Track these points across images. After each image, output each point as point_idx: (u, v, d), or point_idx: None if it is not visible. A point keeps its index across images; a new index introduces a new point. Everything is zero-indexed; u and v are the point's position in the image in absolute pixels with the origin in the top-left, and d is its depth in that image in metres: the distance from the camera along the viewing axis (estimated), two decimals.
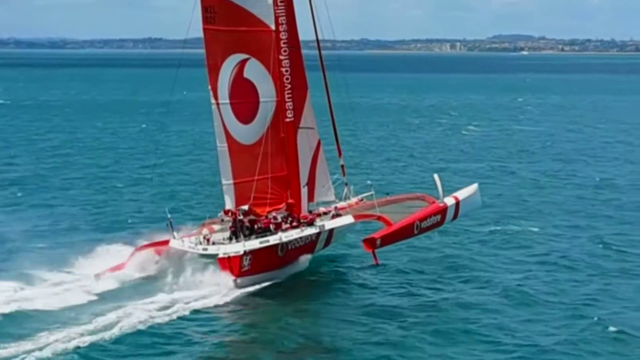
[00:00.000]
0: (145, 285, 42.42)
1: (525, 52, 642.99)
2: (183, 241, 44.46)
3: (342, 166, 48.63)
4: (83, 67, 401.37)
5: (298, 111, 46.44)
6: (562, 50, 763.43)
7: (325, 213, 45.97)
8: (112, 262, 44.60)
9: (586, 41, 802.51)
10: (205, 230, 45.45)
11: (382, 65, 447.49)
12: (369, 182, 48.16)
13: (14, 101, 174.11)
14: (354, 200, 47.80)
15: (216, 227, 46.59)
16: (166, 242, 45.12)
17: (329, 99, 47.79)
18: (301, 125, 46.74)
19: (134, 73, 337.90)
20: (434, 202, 45.73)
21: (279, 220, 44.58)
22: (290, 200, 46.16)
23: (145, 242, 46.18)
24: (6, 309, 38.46)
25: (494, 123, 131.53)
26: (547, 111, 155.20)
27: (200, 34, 44.17)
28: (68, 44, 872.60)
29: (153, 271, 44.51)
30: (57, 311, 38.84)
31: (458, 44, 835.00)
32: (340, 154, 48.64)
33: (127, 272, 43.93)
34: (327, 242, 47.01)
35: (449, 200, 45.85)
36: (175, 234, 45.24)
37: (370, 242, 41.41)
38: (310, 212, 46.65)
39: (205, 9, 44.02)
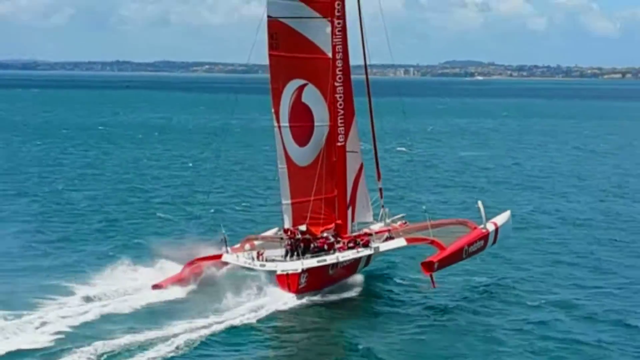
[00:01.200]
0: (199, 297, 42.37)
1: (480, 78, 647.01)
2: (237, 256, 44.77)
3: (381, 189, 48.70)
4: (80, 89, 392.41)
5: (346, 135, 46.90)
6: (511, 75, 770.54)
7: (376, 233, 45.96)
8: (169, 274, 44.79)
9: (533, 67, 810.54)
10: (247, 246, 45.88)
11: None
12: (424, 207, 48.15)
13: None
14: (398, 223, 47.83)
15: (257, 242, 46.99)
16: (219, 257, 45.24)
17: (373, 123, 48.13)
18: (347, 149, 47.07)
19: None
20: (476, 228, 46.26)
21: (332, 240, 44.80)
22: (338, 221, 46.52)
23: (198, 256, 45.93)
24: (84, 316, 38.77)
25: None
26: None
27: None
28: (39, 65, 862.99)
29: (206, 283, 44.32)
30: (129, 314, 39.54)
31: (412, 69, 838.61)
32: (379, 177, 48.71)
33: (182, 283, 44.02)
34: (368, 261, 47.14)
35: (490, 226, 46.38)
36: (228, 248, 45.51)
37: (429, 266, 41.94)
38: (356, 231, 46.85)
39: (270, 36, 44.83)
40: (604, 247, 56.55)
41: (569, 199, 76.36)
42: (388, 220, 48.22)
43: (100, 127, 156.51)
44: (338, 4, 45.75)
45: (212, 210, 65.52)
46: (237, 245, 46.60)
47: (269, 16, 44.76)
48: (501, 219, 48.00)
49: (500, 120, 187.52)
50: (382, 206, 48.67)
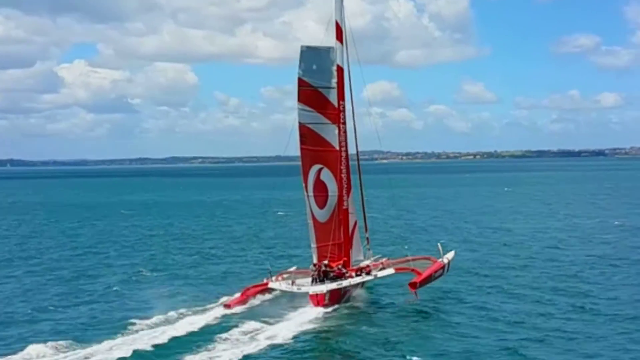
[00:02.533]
0: (258, 312, 41.56)
1: (385, 161, 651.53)
2: (280, 283, 44.24)
3: (367, 238, 48.31)
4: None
5: (348, 202, 46.91)
6: (401, 159, 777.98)
7: (373, 265, 45.77)
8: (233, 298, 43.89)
9: (416, 153, 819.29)
10: (279, 278, 45.42)
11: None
12: (406, 246, 48.36)
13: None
14: (384, 259, 47.53)
15: (285, 275, 46.48)
16: (266, 284, 44.91)
17: (362, 194, 47.82)
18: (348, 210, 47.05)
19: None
20: (436, 261, 46.46)
21: (344, 270, 44.64)
22: (345, 258, 46.42)
23: (252, 284, 45.69)
24: (172, 333, 37.01)
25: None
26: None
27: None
28: (88, 163, 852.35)
29: (260, 302, 43.89)
30: (210, 328, 38.22)
31: None
32: (366, 229, 48.23)
33: (244, 303, 43.15)
34: (362, 284, 46.39)
35: (445, 260, 46.71)
36: (273, 278, 45.15)
37: (414, 285, 42.55)
38: (355, 266, 46.46)
39: (301, 135, 45.29)
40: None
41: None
42: (372, 259, 47.76)
43: (151, 202, 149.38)
44: (342, 115, 46.19)
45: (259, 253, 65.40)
46: (273, 278, 45.82)
47: (300, 122, 45.20)
48: (450, 255, 48.14)
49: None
50: (369, 249, 48.43)
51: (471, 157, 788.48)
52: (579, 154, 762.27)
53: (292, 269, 49.15)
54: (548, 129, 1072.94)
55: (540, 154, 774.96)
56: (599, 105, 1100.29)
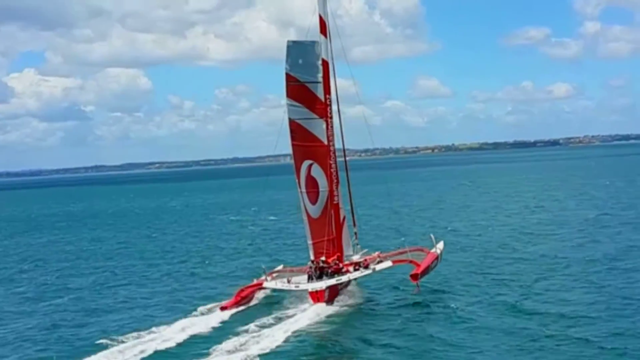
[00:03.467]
0: (256, 312, 40.94)
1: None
2: (276, 282, 43.57)
3: (356, 233, 48.17)
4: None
5: (338, 197, 46.50)
6: (360, 156, 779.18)
7: (370, 259, 45.25)
8: (227, 299, 42.94)
9: (375, 149, 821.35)
10: (269, 278, 44.56)
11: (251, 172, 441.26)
12: (403, 239, 47.98)
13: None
14: (376, 252, 47.15)
15: (275, 274, 45.91)
16: (260, 283, 44.26)
17: (350, 187, 47.44)
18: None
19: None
20: (429, 252, 46.26)
21: (340, 266, 44.17)
22: (338, 254, 46.02)
23: (247, 284, 44.89)
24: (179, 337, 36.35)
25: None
26: None
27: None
28: (42, 172, 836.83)
29: (256, 303, 43.44)
30: (214, 331, 37.38)
31: None
32: (355, 223, 48.06)
33: (240, 304, 42.37)
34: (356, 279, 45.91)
35: (437, 251, 46.62)
36: (269, 277, 44.46)
37: (415, 276, 42.12)
38: (347, 261, 46.02)
39: (292, 131, 44.61)
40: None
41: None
42: (361, 253, 47.43)
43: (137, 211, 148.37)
44: (329, 109, 45.69)
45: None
46: (262, 277, 45.07)
47: (290, 118, 44.55)
48: (440, 245, 48.05)
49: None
50: (357, 244, 48.18)
51: (429, 151, 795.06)
52: (534, 144, 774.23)
53: (279, 267, 48.60)
54: (503, 120, 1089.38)
55: (497, 145, 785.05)
56: (552, 96, 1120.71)
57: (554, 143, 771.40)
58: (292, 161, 45.07)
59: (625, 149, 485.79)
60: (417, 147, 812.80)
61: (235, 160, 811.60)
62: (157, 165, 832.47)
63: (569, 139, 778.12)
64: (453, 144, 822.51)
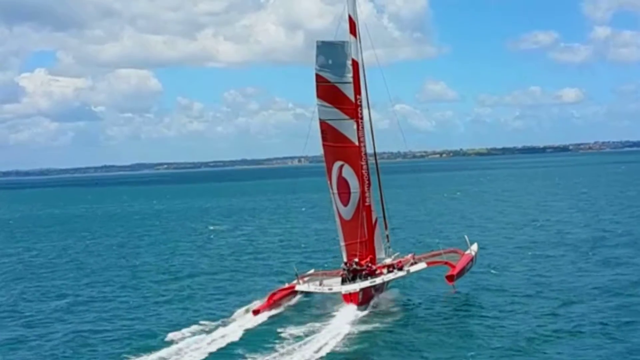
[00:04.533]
0: (289, 317, 40.52)
1: None
2: (308, 285, 43.11)
3: (387, 235, 47.58)
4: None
5: (370, 198, 46.06)
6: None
7: (404, 260, 44.77)
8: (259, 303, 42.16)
9: (382, 153, 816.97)
10: (301, 281, 43.94)
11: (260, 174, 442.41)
12: (437, 241, 47.57)
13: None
14: (409, 255, 46.60)
15: (306, 278, 45.25)
16: (292, 287, 43.73)
17: (381, 189, 46.96)
18: None
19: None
20: (464, 253, 45.81)
21: (374, 268, 43.71)
22: (371, 256, 45.51)
23: (278, 288, 44.34)
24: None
25: None
26: None
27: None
28: (52, 172, 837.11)
29: (288, 306, 42.75)
30: (246, 336, 36.53)
31: (302, 159, 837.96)
32: (386, 226, 47.56)
33: (273, 308, 41.71)
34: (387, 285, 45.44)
35: (472, 252, 46.11)
36: (301, 281, 43.99)
37: (451, 278, 41.66)
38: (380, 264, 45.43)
39: (322, 132, 44.32)
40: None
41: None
42: (393, 256, 46.86)
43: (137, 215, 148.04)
44: (360, 110, 45.30)
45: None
46: (294, 281, 44.52)
47: (320, 119, 44.24)
48: (475, 247, 47.55)
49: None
50: (389, 246, 47.67)
51: (437, 155, 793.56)
52: (543, 149, 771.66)
53: (311, 271, 48.13)
54: (511, 125, 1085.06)
55: (505, 151, 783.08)
56: (561, 101, 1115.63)
57: (564, 149, 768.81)
58: (324, 162, 44.61)
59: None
60: (425, 152, 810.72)
61: (244, 162, 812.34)
62: (165, 166, 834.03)
63: (579, 145, 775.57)
64: (461, 149, 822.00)
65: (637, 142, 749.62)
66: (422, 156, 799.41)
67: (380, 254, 46.89)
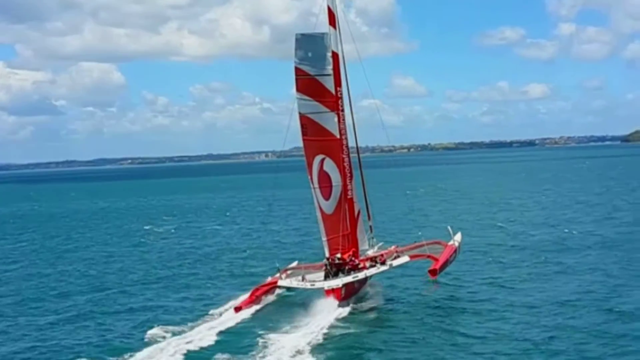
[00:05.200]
0: (271, 313, 40.07)
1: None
2: (291, 281, 42.55)
3: (371, 226, 47.23)
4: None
5: (352, 191, 45.55)
6: None
7: (386, 254, 44.32)
8: (241, 300, 41.69)
9: (351, 147, 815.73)
10: (283, 275, 43.48)
11: (224, 169, 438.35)
12: (420, 233, 47.13)
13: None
14: (393, 246, 46.47)
15: (290, 272, 44.84)
16: (275, 282, 43.15)
17: (364, 180, 46.41)
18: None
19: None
20: (447, 245, 45.44)
21: (357, 262, 43.27)
22: (354, 249, 45.05)
23: (260, 284, 43.73)
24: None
25: None
26: None
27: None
28: (12, 166, 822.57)
29: (271, 302, 42.38)
30: (228, 333, 35.98)
31: (270, 153, 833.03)
32: (369, 217, 47.17)
33: (255, 304, 41.33)
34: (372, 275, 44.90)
35: (455, 243, 45.82)
36: (283, 275, 43.43)
37: (434, 272, 41.22)
38: (363, 256, 45.04)
39: (302, 126, 43.61)
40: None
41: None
42: (376, 247, 46.78)
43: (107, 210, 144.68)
44: (340, 102, 44.75)
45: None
46: (277, 275, 44.05)
47: (300, 113, 43.52)
48: (458, 237, 47.24)
49: None
50: (373, 237, 47.36)
51: (405, 150, 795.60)
52: (510, 144, 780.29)
53: (294, 264, 47.60)
54: (479, 120, 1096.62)
55: (473, 145, 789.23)
56: (527, 97, 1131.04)
57: (530, 143, 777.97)
58: (304, 157, 44.05)
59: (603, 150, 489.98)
60: (393, 146, 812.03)
61: (210, 156, 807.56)
62: (129, 161, 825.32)
63: (545, 139, 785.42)
64: (429, 144, 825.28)
65: (602, 137, 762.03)
66: (390, 150, 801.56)
67: (363, 246, 46.50)
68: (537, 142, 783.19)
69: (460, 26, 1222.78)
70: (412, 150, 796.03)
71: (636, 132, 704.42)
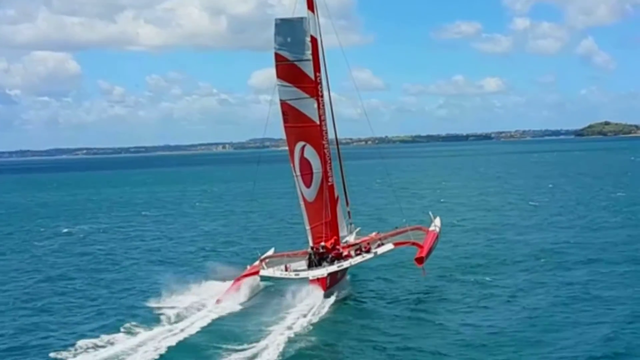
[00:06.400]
0: (254, 303, 39.29)
1: (272, 149, 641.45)
2: (274, 271, 41.55)
3: (349, 212, 46.87)
4: None
5: (332, 177, 45.06)
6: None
7: (371, 241, 43.74)
8: (223, 289, 40.60)
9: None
10: (262, 264, 42.42)
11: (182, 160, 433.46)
12: (404, 220, 46.22)
13: None
14: (373, 233, 46.12)
15: (267, 260, 43.59)
16: (257, 271, 42.08)
17: (342, 165, 45.95)
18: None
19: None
20: (429, 230, 45.06)
21: (340, 250, 42.65)
22: (335, 237, 44.39)
23: (242, 273, 42.29)
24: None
25: None
26: None
27: None
28: None
29: (255, 293, 41.50)
30: (209, 327, 34.75)
31: (227, 145, 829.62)
32: (347, 203, 46.74)
33: (237, 295, 40.03)
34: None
35: (436, 228, 45.56)
36: (263, 263, 42.53)
37: (421, 260, 40.56)
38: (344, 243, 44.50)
39: (283, 113, 42.98)
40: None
41: None
42: (355, 232, 46.49)
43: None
44: (320, 88, 44.07)
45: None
46: (256, 263, 43.06)
47: (281, 99, 42.81)
48: (438, 222, 46.93)
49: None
50: (351, 223, 47.05)
51: (363, 142, 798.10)
52: (466, 137, 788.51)
53: (270, 251, 46.69)
54: (435, 114, 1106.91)
55: (430, 138, 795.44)
56: (483, 91, 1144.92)
57: (486, 137, 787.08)
58: (286, 144, 43.38)
59: (557, 144, 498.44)
60: (350, 139, 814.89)
61: (167, 147, 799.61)
62: (84, 151, 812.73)
63: (500, 133, 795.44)
64: (386, 136, 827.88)
65: (556, 131, 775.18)
66: (347, 143, 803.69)
67: (342, 232, 45.95)
68: (493, 135, 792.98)
69: (417, 19, 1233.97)
70: (369, 143, 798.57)
71: (589, 126, 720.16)
